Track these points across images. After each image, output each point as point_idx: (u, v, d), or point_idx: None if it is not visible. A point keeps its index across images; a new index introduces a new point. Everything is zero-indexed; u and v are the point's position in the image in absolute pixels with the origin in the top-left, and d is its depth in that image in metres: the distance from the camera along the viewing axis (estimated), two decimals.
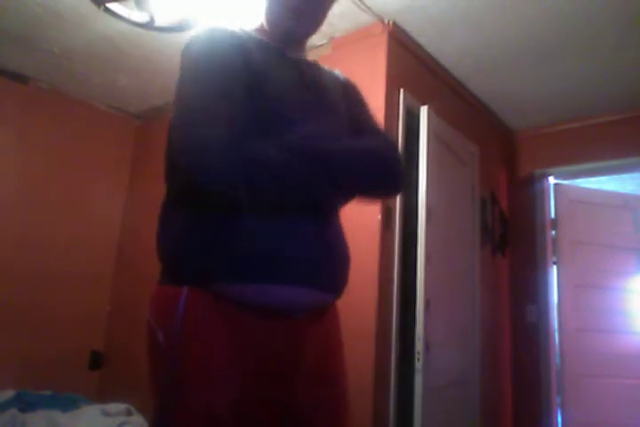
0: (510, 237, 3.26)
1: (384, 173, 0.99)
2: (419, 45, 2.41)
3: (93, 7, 2.12)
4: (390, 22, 2.22)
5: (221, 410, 0.85)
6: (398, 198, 2.15)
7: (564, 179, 3.27)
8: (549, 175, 3.25)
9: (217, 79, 0.87)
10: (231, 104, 0.85)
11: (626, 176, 3.51)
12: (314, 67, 1.12)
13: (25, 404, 2.33)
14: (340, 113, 1.07)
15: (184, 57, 0.93)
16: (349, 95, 1.15)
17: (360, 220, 2.07)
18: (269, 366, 0.90)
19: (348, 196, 0.97)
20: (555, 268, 3.14)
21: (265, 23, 1.04)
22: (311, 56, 2.61)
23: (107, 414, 2.30)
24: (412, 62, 2.41)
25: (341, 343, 1.06)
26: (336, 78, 1.17)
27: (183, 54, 0.93)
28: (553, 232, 3.19)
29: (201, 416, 0.84)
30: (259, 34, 1.05)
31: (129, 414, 2.37)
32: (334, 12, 2.17)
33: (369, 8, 2.15)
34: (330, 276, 0.96)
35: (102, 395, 2.92)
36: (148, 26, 2.08)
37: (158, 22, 2.06)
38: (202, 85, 0.87)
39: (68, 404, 2.43)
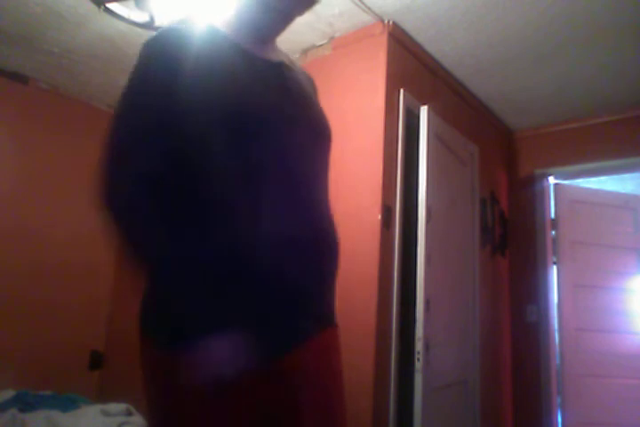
0: (510, 237, 3.26)
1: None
2: (419, 45, 2.41)
3: (93, 7, 2.12)
4: (390, 22, 2.22)
5: None
6: (398, 198, 2.15)
7: (564, 179, 3.27)
8: (549, 175, 3.25)
9: (148, 98, 0.87)
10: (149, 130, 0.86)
11: (626, 176, 3.51)
12: (287, 68, 1.07)
13: (25, 404, 2.33)
14: (316, 113, 1.05)
15: (137, 60, 0.91)
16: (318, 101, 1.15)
17: (360, 219, 2.07)
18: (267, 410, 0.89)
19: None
20: (555, 268, 3.14)
21: (236, 18, 1.01)
22: (311, 56, 2.62)
23: (107, 414, 2.30)
24: (412, 62, 2.41)
25: (339, 363, 1.03)
26: (308, 79, 1.16)
27: (138, 57, 0.91)
28: (553, 232, 3.18)
29: None
30: (228, 30, 0.99)
31: (129, 414, 2.37)
32: (334, 12, 2.18)
33: (369, 8, 2.15)
34: (321, 309, 0.97)
35: (102, 395, 2.92)
36: (148, 26, 2.08)
37: (158, 22, 2.06)
38: (133, 102, 0.88)
39: (68, 404, 2.43)
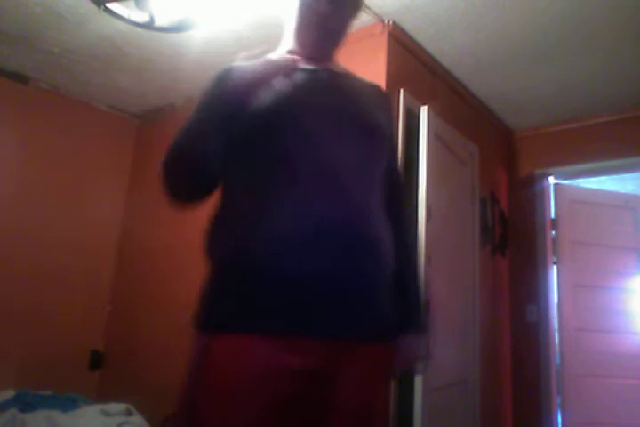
0: (510, 237, 3.26)
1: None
2: (419, 45, 2.41)
3: (93, 7, 2.12)
4: (390, 22, 2.22)
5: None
6: None
7: (564, 179, 3.27)
8: (549, 175, 3.25)
9: (204, 114, 1.03)
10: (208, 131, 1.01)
11: (626, 176, 3.51)
12: (343, 77, 1.15)
13: (25, 404, 2.33)
14: (362, 113, 1.08)
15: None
16: (387, 113, 1.20)
17: None
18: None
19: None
20: (555, 268, 3.14)
21: (293, 39, 1.13)
22: None
23: (107, 414, 2.30)
24: (412, 62, 2.41)
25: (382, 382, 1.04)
26: (372, 90, 1.21)
27: None
28: (553, 232, 3.18)
29: None
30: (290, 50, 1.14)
31: (129, 414, 2.37)
32: None
33: (369, 8, 2.15)
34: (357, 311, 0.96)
35: (102, 395, 2.92)
36: (148, 26, 2.08)
37: (158, 22, 2.06)
38: (195, 115, 1.04)
39: (67, 404, 2.43)
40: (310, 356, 0.90)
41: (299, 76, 1.07)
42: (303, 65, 1.09)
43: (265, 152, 0.98)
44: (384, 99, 1.23)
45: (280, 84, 1.03)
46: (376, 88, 1.22)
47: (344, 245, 0.93)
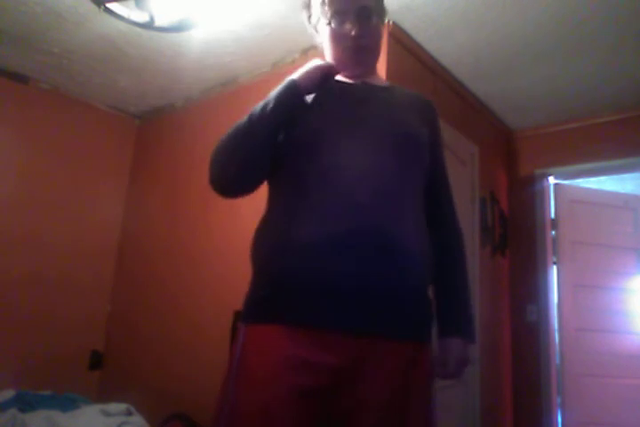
0: (510, 237, 3.26)
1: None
2: (418, 45, 2.41)
3: (93, 7, 2.12)
4: (390, 22, 2.22)
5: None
6: None
7: (564, 179, 3.27)
8: (549, 175, 3.25)
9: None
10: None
11: (626, 176, 3.51)
12: (380, 89, 1.19)
13: (25, 404, 2.33)
14: (398, 131, 1.09)
15: None
16: (431, 122, 1.21)
17: None
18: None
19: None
20: (555, 268, 3.14)
21: (331, 61, 1.19)
22: (311, 56, 2.61)
23: (107, 414, 2.30)
24: (411, 62, 2.41)
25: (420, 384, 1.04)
26: (415, 101, 1.23)
27: None
28: (553, 232, 3.19)
29: None
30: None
31: (129, 414, 2.37)
32: None
33: None
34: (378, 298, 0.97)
35: (102, 395, 2.92)
36: (148, 26, 2.08)
37: (158, 22, 2.06)
38: (237, 124, 1.09)
39: (67, 404, 2.43)
40: (335, 353, 0.92)
41: (331, 90, 1.13)
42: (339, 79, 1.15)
43: (293, 162, 1.04)
44: (428, 109, 1.23)
45: (311, 98, 1.10)
46: (420, 98, 1.24)
47: (369, 250, 0.95)
